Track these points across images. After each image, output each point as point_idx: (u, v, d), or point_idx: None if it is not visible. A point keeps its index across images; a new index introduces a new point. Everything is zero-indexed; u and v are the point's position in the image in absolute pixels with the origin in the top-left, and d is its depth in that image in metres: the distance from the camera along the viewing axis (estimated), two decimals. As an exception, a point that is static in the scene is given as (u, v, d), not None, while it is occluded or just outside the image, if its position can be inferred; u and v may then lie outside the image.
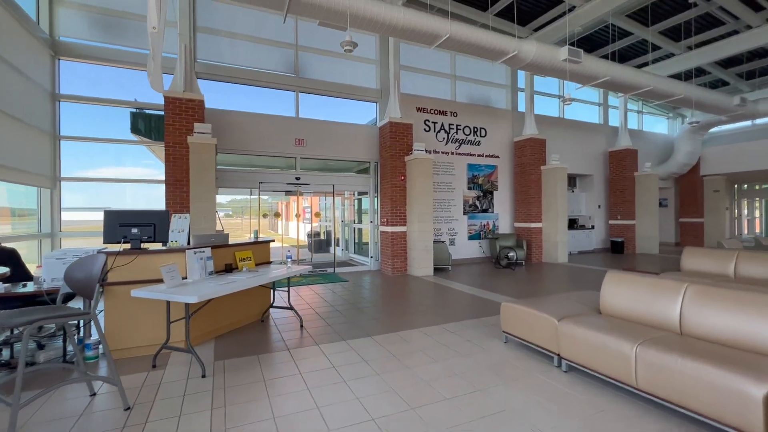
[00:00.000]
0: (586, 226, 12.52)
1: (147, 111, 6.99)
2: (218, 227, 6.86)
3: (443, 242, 8.89)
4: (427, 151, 9.20)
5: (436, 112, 9.65)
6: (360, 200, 10.83)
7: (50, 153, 6.29)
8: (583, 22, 8.82)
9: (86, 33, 6.61)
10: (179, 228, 6.31)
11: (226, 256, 4.23)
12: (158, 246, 3.80)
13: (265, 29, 7.95)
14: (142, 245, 3.61)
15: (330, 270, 8.64)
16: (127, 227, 3.51)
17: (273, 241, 4.95)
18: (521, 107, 10.96)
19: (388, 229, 8.26)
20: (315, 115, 8.45)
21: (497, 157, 10.52)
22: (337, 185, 8.65)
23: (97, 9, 6.66)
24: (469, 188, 10.08)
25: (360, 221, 10.70)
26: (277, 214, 22.18)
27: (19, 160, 5.49)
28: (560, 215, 9.76)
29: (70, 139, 6.56)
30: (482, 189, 10.27)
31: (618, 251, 11.93)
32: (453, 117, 9.88)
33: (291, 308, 4.60)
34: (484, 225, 10.30)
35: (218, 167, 7.49)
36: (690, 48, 10.48)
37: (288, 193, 8.94)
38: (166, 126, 6.32)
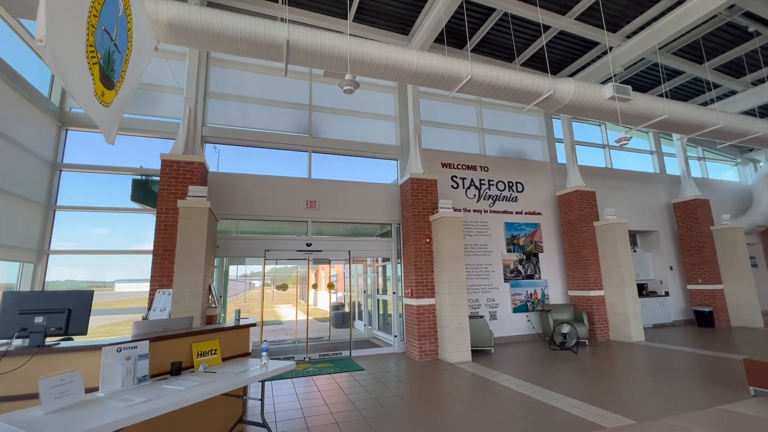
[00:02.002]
0: (658, 293, 10.36)
1: (150, 178, 6.58)
2: (215, 303, 5.90)
3: (482, 317, 7.32)
4: (455, 209, 8.10)
5: (464, 167, 8.72)
6: (384, 267, 9.65)
7: (40, 224, 5.84)
8: (622, 63, 7.93)
9: (97, 104, 6.53)
10: (161, 306, 5.43)
11: (178, 350, 3.12)
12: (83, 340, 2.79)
13: (277, 92, 7.72)
14: (50, 340, 2.62)
15: (346, 353, 7.23)
16: (29, 315, 2.56)
17: (254, 325, 3.82)
18: (561, 158, 9.82)
19: (413, 301, 6.91)
20: (329, 175, 7.77)
21: (539, 213, 9.17)
22: (354, 251, 7.60)
23: (110, 81, 6.65)
24: (509, 250, 8.65)
25: (385, 291, 9.41)
26: (327, 285, 21.26)
27: (6, 236, 5.04)
28: (627, 280, 7.95)
29: (66, 209, 6.16)
30: (524, 251, 8.80)
31: (706, 324, 9.55)
32: (484, 172, 8.88)
33: (264, 425, 3.28)
34: (531, 294, 8.62)
35: (220, 234, 6.78)
36: (755, 84, 9.16)
37: (299, 261, 7.98)
38: (160, 191, 5.76)
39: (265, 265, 7.05)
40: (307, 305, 7.92)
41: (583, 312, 8.03)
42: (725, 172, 13.34)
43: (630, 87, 6.55)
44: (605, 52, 8.44)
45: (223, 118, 7.26)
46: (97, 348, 2.55)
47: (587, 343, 7.68)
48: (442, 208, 6.98)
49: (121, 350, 2.62)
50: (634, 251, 10.79)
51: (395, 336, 7.55)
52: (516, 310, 8.39)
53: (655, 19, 7.25)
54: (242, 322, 3.87)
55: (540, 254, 8.94)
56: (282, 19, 6.68)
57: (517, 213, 8.94)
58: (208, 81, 7.19)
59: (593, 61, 8.68)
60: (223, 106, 7.30)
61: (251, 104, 7.50)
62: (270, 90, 7.67)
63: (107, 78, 3.14)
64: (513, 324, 8.29)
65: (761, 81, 9.03)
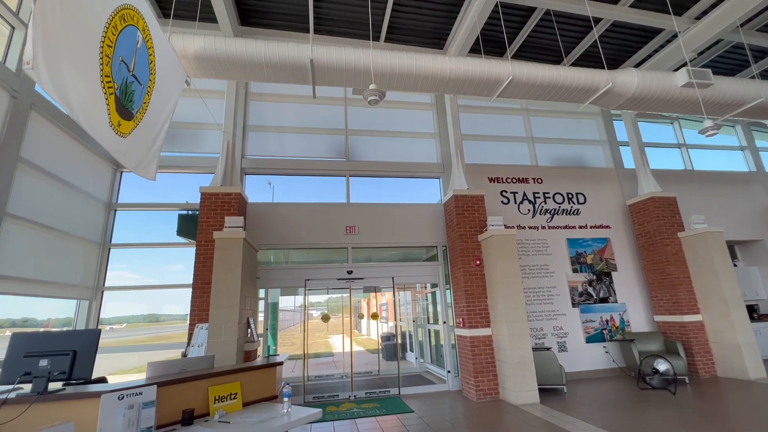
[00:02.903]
0: (773, 316, 8.45)
1: (194, 212, 6.73)
2: (255, 337, 5.67)
3: (549, 349, 6.32)
4: (507, 226, 7.32)
5: (514, 180, 7.97)
6: (434, 294, 8.96)
7: (96, 262, 6.12)
8: (695, 47, 6.88)
9: (147, 145, 6.92)
10: (199, 342, 5.28)
11: (193, 395, 2.80)
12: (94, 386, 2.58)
13: (313, 119, 7.71)
14: (52, 385, 2.42)
15: (394, 390, 6.58)
16: (34, 357, 2.39)
17: (280, 364, 3.44)
18: (628, 163, 8.66)
19: (466, 332, 6.16)
20: (368, 199, 7.46)
21: (607, 227, 8.03)
22: (398, 277, 7.08)
23: (159, 123, 7.04)
24: (575, 270, 7.59)
25: (436, 321, 8.67)
26: (371, 315, 20.90)
27: (59, 273, 5.32)
28: (732, 302, 6.50)
29: (119, 246, 6.43)
30: (594, 270, 7.67)
31: None
32: (537, 184, 8.05)
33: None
34: (607, 321, 7.40)
35: (261, 265, 6.67)
36: None
37: (341, 290, 7.61)
38: (199, 223, 5.80)
39: (306, 294, 6.78)
40: (350, 337, 7.45)
41: (677, 342, 6.65)
42: None
43: (709, 70, 5.55)
44: (669, 41, 7.43)
45: (261, 149, 7.35)
46: (93, 396, 2.29)
47: (687, 381, 6.29)
48: (491, 225, 6.29)
49: (123, 398, 2.34)
50: (735, 266, 9.02)
51: (448, 371, 6.77)
52: (590, 339, 7.21)
53: (730, -7, 6.22)
54: (279, 358, 3.52)
55: (613, 273, 7.73)
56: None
57: (580, 227, 7.90)
58: (247, 115, 7.37)
59: (656, 51, 7.67)
60: (261, 137, 7.41)
61: (288, 134, 7.54)
62: (306, 118, 7.69)
63: (124, 108, 3.09)
64: (588, 356, 7.10)
65: None
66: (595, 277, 7.63)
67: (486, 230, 6.39)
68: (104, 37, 2.75)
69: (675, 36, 7.26)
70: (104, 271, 6.23)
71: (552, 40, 7.48)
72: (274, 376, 3.43)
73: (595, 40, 7.31)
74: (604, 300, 7.52)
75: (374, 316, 8.52)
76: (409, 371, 8.62)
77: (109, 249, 6.35)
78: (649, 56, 7.86)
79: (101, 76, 2.76)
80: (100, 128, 2.74)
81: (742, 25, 6.86)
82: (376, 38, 7.14)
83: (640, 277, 7.78)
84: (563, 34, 7.31)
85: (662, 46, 7.60)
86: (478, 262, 6.44)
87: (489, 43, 7.34)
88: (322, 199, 7.28)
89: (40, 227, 4.99)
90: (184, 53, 4.30)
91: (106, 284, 6.22)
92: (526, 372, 5.59)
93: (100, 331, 2.55)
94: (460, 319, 6.39)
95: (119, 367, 6.82)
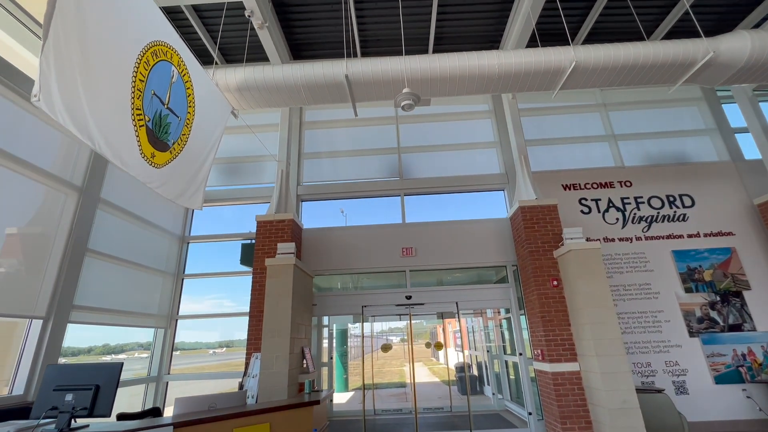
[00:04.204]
0: None
1: (254, 241, 6.94)
2: (311, 368, 5.45)
3: (661, 391, 5.00)
4: (590, 239, 6.23)
5: (595, 185, 6.86)
6: (509, 320, 7.95)
7: (170, 293, 6.55)
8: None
9: (214, 180, 7.43)
10: (254, 373, 5.20)
11: (217, 438, 2.56)
12: (105, 421, 2.49)
13: (365, 141, 7.62)
14: (76, 422, 2.35)
15: (466, 433, 5.77)
16: (62, 391, 2.36)
17: (316, 403, 3.08)
18: (750, 153, 6.95)
19: (546, 366, 5.18)
20: (425, 217, 6.99)
21: (728, 234, 6.40)
22: (463, 302, 6.38)
23: (223, 160, 7.55)
24: (688, 290, 6.10)
25: (513, 351, 7.63)
26: (435, 344, 19.93)
27: (137, 304, 5.79)
28: None
29: (191, 276, 6.83)
30: (716, 290, 6.08)
31: None
32: (626, 188, 6.81)
33: None
34: (744, 355, 5.72)
35: (319, 292, 6.54)
36: None
37: (399, 316, 7.11)
38: (255, 252, 5.90)
39: (363, 321, 6.44)
40: (412, 368, 6.84)
41: None
42: None
43: None
44: (793, -5, 5.92)
45: (316, 175, 7.41)
46: (105, 437, 2.15)
47: None
48: (568, 238, 5.35)
49: (134, 440, 2.17)
50: None
51: (530, 413, 5.76)
52: (720, 379, 5.61)
53: None
54: (338, 394, 3.19)
55: (745, 292, 6.04)
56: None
57: (690, 236, 6.41)
58: (301, 143, 7.55)
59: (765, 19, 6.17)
60: (315, 164, 7.50)
61: (341, 158, 7.53)
62: (358, 140, 7.64)
63: (158, 140, 3.16)
64: (719, 402, 5.50)
65: None
66: (718, 298, 6.03)
67: (562, 245, 5.46)
68: (136, 71, 2.84)
69: (800, -12, 5.77)
70: (178, 301, 6.64)
71: (628, 22, 6.48)
72: (310, 417, 3.07)
73: (686, 11, 6.13)
74: (736, 327, 5.87)
75: (438, 346, 7.80)
76: (486, 409, 7.63)
77: (183, 279, 6.78)
78: (759, 24, 6.35)
79: (132, 109, 2.85)
80: (129, 159, 2.79)
81: None
82: (424, 51, 6.90)
83: (787, 296, 5.96)
84: (642, 12, 6.28)
85: (781, 6, 6.09)
86: (555, 282, 5.49)
87: (549, 37, 6.61)
88: (377, 221, 7.01)
89: (120, 261, 5.48)
90: (227, 86, 4.46)
91: (180, 313, 6.60)
92: (631, 421, 4.42)
93: (121, 364, 2.47)
94: (539, 351, 5.44)
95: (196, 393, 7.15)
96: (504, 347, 7.91)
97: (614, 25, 6.54)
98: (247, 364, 5.27)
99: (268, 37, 5.60)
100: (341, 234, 6.76)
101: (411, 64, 4.35)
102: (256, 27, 5.35)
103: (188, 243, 7.05)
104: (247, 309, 6.51)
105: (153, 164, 3.09)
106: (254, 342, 5.39)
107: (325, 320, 7.28)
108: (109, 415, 2.41)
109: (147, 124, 3.00)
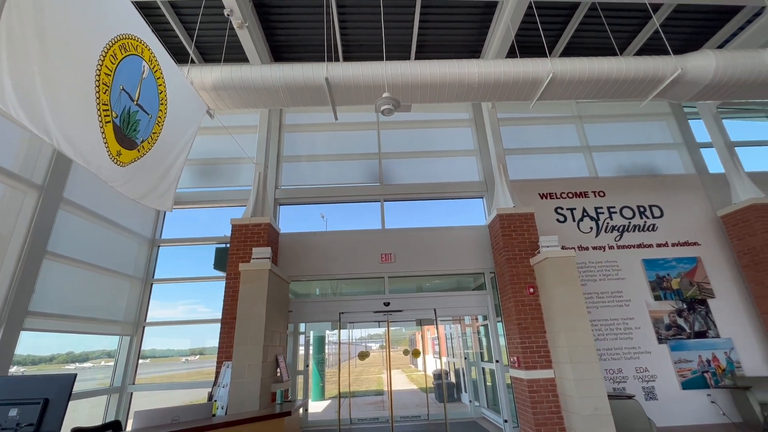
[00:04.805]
0: None
1: (229, 245, 6.74)
2: (285, 377, 5.28)
3: (632, 397, 5.11)
4: (565, 247, 6.35)
5: (571, 195, 7.02)
6: (486, 327, 7.99)
7: (138, 298, 6.26)
8: (789, 22, 5.70)
9: (188, 182, 7.20)
10: (224, 382, 5.00)
11: (178, 453, 2.42)
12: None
13: (346, 146, 7.57)
14: (21, 439, 2.16)
15: (442, 441, 5.71)
16: (6, 406, 2.17)
17: (287, 414, 2.97)
18: (714, 167, 7.29)
19: (522, 374, 5.21)
20: (405, 224, 6.98)
21: (694, 244, 6.66)
22: (441, 309, 6.37)
23: (198, 161, 7.33)
24: (657, 298, 6.30)
25: (490, 358, 7.66)
26: (412, 351, 19.85)
27: (107, 310, 5.50)
28: None
29: (161, 281, 6.55)
30: (683, 298, 6.30)
31: None
32: (599, 197, 7.01)
33: None
34: (708, 361, 5.93)
35: (296, 298, 6.40)
36: None
37: (380, 323, 7.03)
38: (229, 256, 5.72)
39: (340, 328, 6.32)
40: (389, 376, 6.76)
41: (816, 391, 5.06)
42: None
43: (815, 41, 4.45)
44: (750, 21, 6.29)
45: (295, 179, 7.29)
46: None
47: (839, 447, 4.67)
48: (544, 246, 5.43)
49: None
50: None
51: (505, 421, 5.77)
52: (687, 385, 5.79)
53: (831, -49, 5.10)
54: (314, 403, 3.07)
55: (709, 300, 6.29)
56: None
57: (659, 245, 6.64)
58: (281, 146, 7.43)
59: (736, 34, 6.53)
60: (295, 168, 7.38)
61: (321, 162, 7.44)
62: (338, 145, 7.57)
63: (126, 138, 3.01)
64: (686, 407, 5.67)
65: None
66: (685, 306, 6.25)
67: (538, 252, 5.54)
68: (101, 64, 2.70)
69: (758, 14, 6.14)
70: (146, 306, 6.34)
71: (602, 38, 6.71)
72: (281, 428, 2.95)
73: (656, 31, 6.40)
74: (701, 334, 6.09)
75: (416, 353, 7.75)
76: (463, 416, 7.61)
77: (152, 284, 6.50)
78: (726, 42, 6.71)
79: (98, 104, 2.70)
80: (92, 157, 2.63)
81: None
82: (406, 58, 6.93)
83: (748, 305, 6.24)
84: (616, 29, 6.52)
85: (742, 29, 6.46)
86: (531, 289, 5.55)
87: (528, 50, 6.76)
88: (356, 226, 6.94)
89: (83, 264, 5.19)
90: (203, 85, 4.33)
91: (148, 319, 6.30)
92: (604, 427, 4.48)
93: (74, 376, 2.30)
94: (515, 358, 5.47)
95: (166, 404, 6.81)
96: (481, 354, 7.94)
97: (589, 40, 6.76)
98: (217, 374, 5.06)
99: (248, 38, 5.49)
100: (319, 239, 6.65)
101: (392, 69, 4.34)
102: (235, 26, 5.23)
103: (159, 246, 6.77)
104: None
105: (118, 162, 2.93)
106: (226, 350, 5.19)
107: (302, 327, 7.12)
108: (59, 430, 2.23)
109: (114, 120, 2.85)
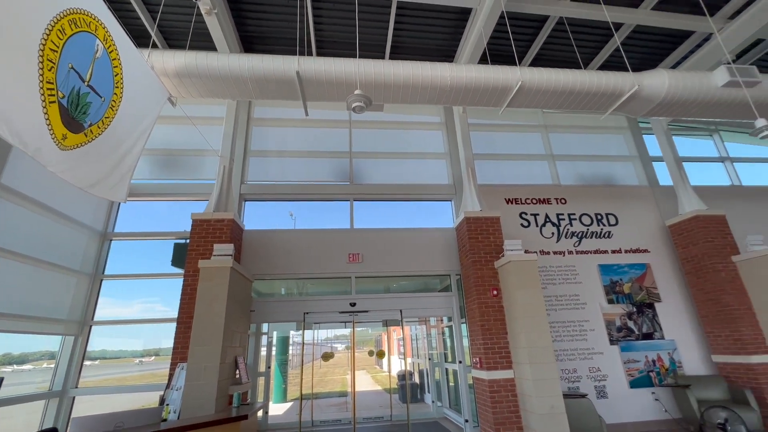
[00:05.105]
0: None
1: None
2: (244, 379, 5.08)
3: (585, 396, 5.35)
4: (528, 251, 6.56)
5: (535, 201, 7.27)
6: (451, 328, 8.10)
7: (85, 295, 5.83)
8: (731, 48, 6.20)
9: (147, 173, 6.81)
10: (178, 385, 4.74)
11: (120, 462, 2.24)
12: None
13: (316, 143, 7.44)
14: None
15: (404, 442, 5.72)
16: None
17: (244, 417, 2.85)
18: (664, 180, 7.79)
19: (484, 374, 5.32)
20: (374, 224, 6.95)
21: (645, 251, 7.09)
22: (407, 310, 6.39)
23: (159, 151, 6.96)
24: (610, 301, 6.64)
25: (454, 359, 7.78)
26: (377, 352, 19.79)
27: (48, 308, 5.06)
28: (810, 339, 5.37)
29: (111, 278, 6.14)
30: (633, 301, 6.68)
31: None
32: (561, 204, 7.30)
33: None
34: (654, 361, 6.32)
35: (259, 297, 6.20)
36: None
37: (346, 323, 6.95)
38: (189, 252, 5.45)
39: (304, 329, 6.19)
40: (353, 377, 6.71)
41: (746, 389, 5.51)
42: None
43: (754, 67, 4.85)
44: (700, 45, 6.79)
45: (262, 174, 7.08)
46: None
47: (763, 439, 5.11)
48: (508, 250, 5.58)
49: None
50: (805, 295, 7.71)
51: (466, 421, 5.87)
52: (634, 384, 6.14)
53: (769, -13, 5.59)
54: (273, 406, 2.93)
55: (656, 304, 6.71)
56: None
57: (614, 252, 7.00)
58: (248, 140, 7.19)
59: (686, 58, 7.02)
60: (262, 163, 7.17)
61: (290, 158, 7.28)
62: (309, 142, 7.43)
63: (73, 120, 2.78)
64: (633, 404, 6.01)
65: None
66: (635, 309, 6.63)
67: (503, 255, 5.68)
68: (45, 39, 2.48)
69: (706, 39, 6.63)
70: (94, 304, 5.92)
71: (568, 52, 7.00)
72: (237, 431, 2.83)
73: (617, 48, 6.77)
74: (648, 336, 6.48)
75: (380, 354, 7.73)
76: (425, 417, 7.67)
77: (101, 280, 6.08)
78: (679, 63, 7.21)
79: (41, 82, 2.47)
80: (30, 138, 2.41)
81: (786, 21, 6.13)
82: (380, 58, 6.90)
83: (690, 308, 6.71)
84: (581, 44, 6.82)
85: (692, 52, 6.95)
86: (495, 292, 5.69)
87: (498, 58, 6.94)
88: (325, 225, 6.84)
89: (20, 257, 4.76)
90: (165, 71, 4.09)
91: (96, 318, 5.88)
92: (558, 425, 4.65)
93: (2, 379, 2.08)
94: (477, 359, 5.58)
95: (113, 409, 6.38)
96: (445, 355, 8.04)
97: (556, 53, 7.04)
98: (171, 376, 4.80)
99: (217, 25, 5.26)
100: (286, 237, 6.48)
101: (365, 67, 4.30)
102: (203, 12, 5.01)
103: (111, 240, 6.35)
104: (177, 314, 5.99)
105: (61, 146, 2.70)
106: (181, 351, 4.93)
107: (265, 327, 6.91)
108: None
109: (60, 101, 2.63)
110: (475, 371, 5.65)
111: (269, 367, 7.06)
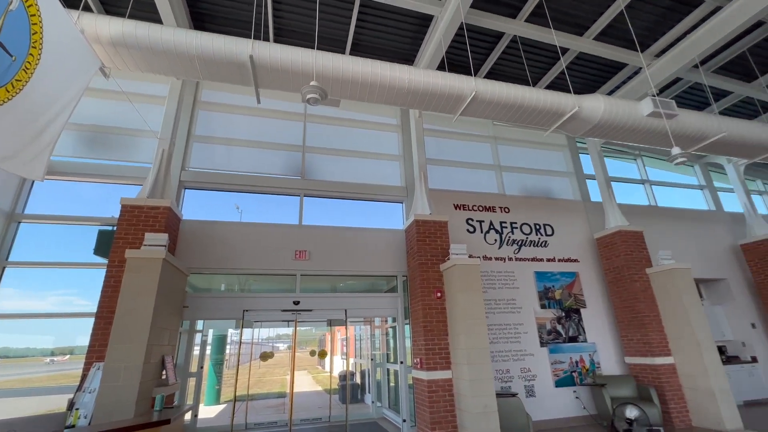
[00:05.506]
0: (741, 358, 8.21)
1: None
2: (171, 380, 4.71)
3: (515, 395, 5.66)
4: (472, 256, 6.82)
5: (481, 208, 7.58)
6: (394, 329, 8.18)
7: (-18, 283, 5.07)
8: (656, 83, 6.93)
9: (71, 150, 6.10)
10: (92, 387, 4.28)
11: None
12: None
13: (268, 134, 7.15)
14: None
15: (341, 443, 5.66)
16: None
17: (166, 422, 2.63)
18: (595, 196, 8.52)
19: (423, 374, 5.43)
20: (323, 221, 6.82)
21: (575, 260, 7.69)
22: (352, 310, 6.34)
23: (88, 127, 6.27)
24: (543, 306, 7.11)
25: (396, 360, 7.85)
26: (318, 352, 19.50)
27: None
28: (704, 343, 6.14)
29: (18, 265, 5.41)
30: (562, 307, 7.21)
31: (819, 401, 7.26)
32: (504, 213, 7.69)
33: None
34: (577, 362, 6.86)
35: (195, 293, 5.79)
36: (821, 99, 7.86)
37: (288, 322, 6.73)
38: (115, 240, 4.95)
39: (243, 327, 5.89)
40: (292, 377, 6.53)
41: (650, 387, 6.17)
42: (794, 209, 11.40)
43: (673, 102, 5.46)
44: (631, 77, 7.52)
45: (207, 162, 6.65)
46: None
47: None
48: (454, 254, 5.75)
49: None
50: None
51: (404, 420, 5.94)
52: (559, 383, 6.62)
53: (688, 32, 6.33)
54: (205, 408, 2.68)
55: (582, 310, 7.30)
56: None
57: (548, 260, 7.51)
58: (193, 124, 6.72)
59: (620, 86, 7.73)
60: (208, 150, 6.73)
61: (239, 147, 6.91)
62: (260, 132, 7.12)
63: (-26, 79, 2.39)
64: (557, 402, 6.47)
65: (830, 95, 7.73)
66: (563, 314, 7.16)
67: (448, 259, 5.84)
68: (-58, -19, 2.10)
69: (637, 72, 7.35)
70: (-7, 295, 5.16)
71: (519, 69, 7.39)
72: (156, 440, 2.59)
73: (562, 71, 7.27)
74: (573, 339, 7.02)
75: (322, 354, 7.61)
76: (364, 417, 7.66)
77: (4, 268, 5.32)
78: (612, 92, 7.92)
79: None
80: None
81: (702, 63, 6.99)
82: (341, 54, 6.81)
83: (609, 314, 7.38)
84: (531, 64, 7.24)
85: (624, 82, 7.67)
86: (439, 294, 5.83)
87: (456, 67, 7.14)
88: (272, 220, 6.57)
89: None
90: (98, 37, 3.68)
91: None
92: (490, 424, 4.87)
93: None
94: (418, 359, 5.67)
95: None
96: (388, 355, 8.09)
97: (509, 69, 7.40)
98: (84, 377, 4.31)
99: (164, -4, 4.85)
100: (229, 229, 6.14)
101: (323, 60, 4.20)
102: (148, -21, 4.59)
103: (19, 222, 5.58)
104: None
105: (-42, 109, 2.31)
106: (98, 350, 4.45)
107: (199, 324, 6.48)
108: None
109: (-45, 54, 2.24)
110: (415, 372, 5.74)
111: (202, 367, 6.62)
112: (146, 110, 6.38)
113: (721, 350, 8.26)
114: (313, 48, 6.32)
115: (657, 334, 6.56)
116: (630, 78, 7.52)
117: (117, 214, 5.88)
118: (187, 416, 5.67)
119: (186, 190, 6.39)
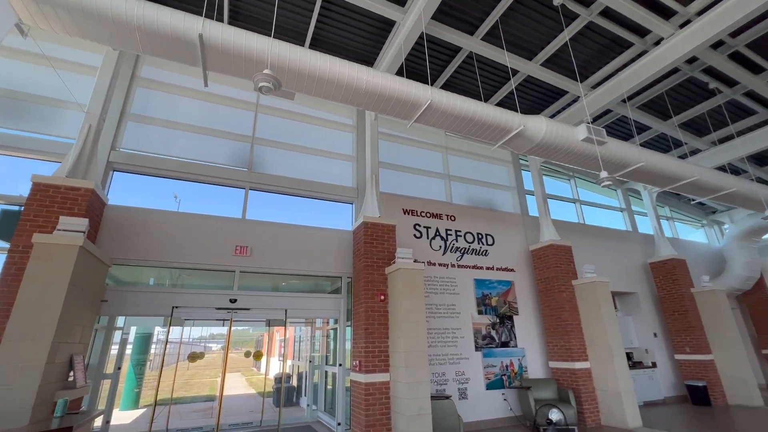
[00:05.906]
0: (644, 364, 9.24)
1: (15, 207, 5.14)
2: (79, 382, 4.20)
3: (448, 398, 5.84)
4: (417, 261, 6.96)
5: (428, 215, 7.77)
6: (335, 331, 8.08)
7: None
8: (590, 112, 7.61)
9: (-28, 115, 5.27)
10: (-23, 389, 3.69)
11: None
12: None
13: (216, 121, 6.74)
14: None
15: (271, 448, 5.43)
16: None
17: (68, 430, 2.33)
18: (533, 211, 9.13)
19: (361, 377, 5.40)
20: (268, 216, 6.56)
21: (512, 270, 8.17)
22: (293, 310, 6.15)
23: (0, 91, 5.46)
24: (480, 312, 7.44)
25: (335, 362, 7.74)
26: (254, 353, 18.71)
27: None
28: (614, 350, 6.81)
29: None
30: (497, 313, 7.61)
31: (702, 402, 8.37)
32: (450, 221, 7.95)
33: None
34: (507, 366, 7.27)
35: (116, 285, 5.26)
36: (721, 141, 9.14)
37: (224, 321, 6.36)
38: (20, 222, 4.33)
39: (171, 325, 5.46)
40: (223, 379, 6.18)
41: (569, 389, 6.70)
42: (692, 234, 13.15)
43: (604, 130, 6.03)
44: (570, 104, 8.19)
45: (143, 144, 6.10)
46: None
47: (576, 431, 6.25)
48: (400, 258, 5.82)
49: None
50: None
51: (338, 424, 5.87)
52: (490, 386, 6.96)
53: (620, 70, 7.04)
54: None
55: (515, 317, 7.76)
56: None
57: (488, 268, 7.89)
58: (129, 101, 6.13)
59: (561, 111, 8.39)
60: (145, 131, 6.18)
61: (181, 131, 6.43)
62: (206, 118, 6.68)
63: None
64: (487, 404, 6.79)
65: (728, 138, 9.01)
66: (498, 320, 7.55)
67: (394, 262, 5.90)
68: None
69: (575, 100, 8.01)
70: None
71: (473, 85, 7.71)
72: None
73: (512, 91, 7.71)
74: (505, 344, 7.42)
75: (257, 356, 7.30)
76: (298, 421, 7.45)
77: None
78: (554, 115, 8.56)
79: None
80: None
81: (629, 99, 7.81)
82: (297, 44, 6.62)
83: (539, 322, 7.92)
84: (484, 80, 7.58)
85: (564, 108, 8.33)
86: (382, 297, 5.86)
87: (414, 75, 7.27)
88: (213, 212, 6.18)
89: None
90: (17, -11, 3.20)
91: None
92: (423, 426, 4.96)
93: None
94: (357, 362, 5.64)
95: None
96: (327, 357, 7.96)
97: (463, 83, 7.69)
98: (-32, 378, 3.69)
99: (103, -44, 4.37)
100: (163, 219, 5.67)
101: (280, 49, 4.05)
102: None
103: None
104: None
105: None
106: (-11, 346, 3.85)
107: (120, 321, 5.90)
108: None
109: None
110: (354, 374, 5.70)
111: (119, 368, 6.03)
112: (73, 79, 5.71)
113: (629, 356, 9.23)
114: (270, 36, 6.11)
115: (577, 340, 7.16)
116: (569, 105, 8.18)
117: (26, 193, 5.19)
118: (98, 422, 5.11)
119: (115, 172, 5.80)
